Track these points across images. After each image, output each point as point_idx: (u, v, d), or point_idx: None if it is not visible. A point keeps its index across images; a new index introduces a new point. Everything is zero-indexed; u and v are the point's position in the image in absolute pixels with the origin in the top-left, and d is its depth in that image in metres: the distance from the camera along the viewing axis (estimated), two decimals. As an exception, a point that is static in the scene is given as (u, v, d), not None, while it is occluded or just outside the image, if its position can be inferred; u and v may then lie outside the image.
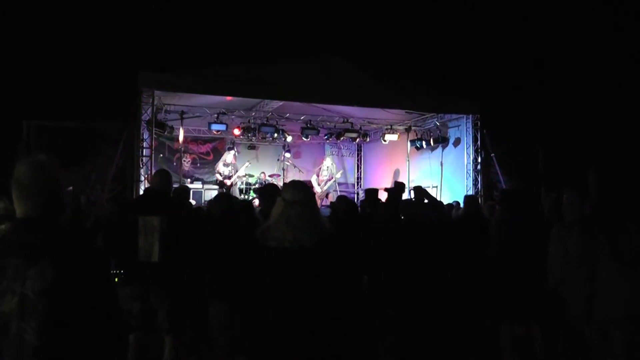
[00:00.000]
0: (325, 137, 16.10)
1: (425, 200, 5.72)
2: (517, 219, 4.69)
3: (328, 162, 16.05)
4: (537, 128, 15.92)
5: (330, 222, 3.04)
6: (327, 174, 15.67)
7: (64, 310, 1.75)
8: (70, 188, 7.92)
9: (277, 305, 2.79)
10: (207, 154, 16.70)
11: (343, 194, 14.54)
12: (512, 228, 4.69)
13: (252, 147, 16.62)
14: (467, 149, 12.77)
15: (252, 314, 3.05)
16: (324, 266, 2.81)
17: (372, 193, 6.61)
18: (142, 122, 11.04)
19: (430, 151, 14.48)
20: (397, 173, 16.07)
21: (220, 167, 14.42)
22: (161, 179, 4.71)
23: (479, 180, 12.44)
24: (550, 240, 3.79)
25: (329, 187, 15.57)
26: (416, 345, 4.95)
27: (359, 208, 6.91)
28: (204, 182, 15.31)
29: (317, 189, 15.18)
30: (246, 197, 14.14)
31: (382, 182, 16.53)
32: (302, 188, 2.97)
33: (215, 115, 13.13)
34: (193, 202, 13.09)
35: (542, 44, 21.00)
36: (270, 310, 2.81)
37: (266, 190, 4.75)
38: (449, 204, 10.26)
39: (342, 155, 18.43)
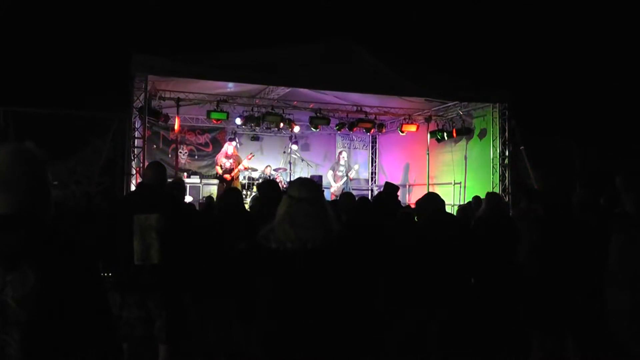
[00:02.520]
0: (336, 127, 16.06)
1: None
2: (551, 220, 4.64)
3: (344, 155, 16.04)
4: (573, 120, 15.78)
5: (338, 222, 3.02)
6: (344, 169, 15.65)
7: (49, 320, 1.71)
8: (56, 183, 7.94)
9: (275, 314, 2.79)
10: (206, 145, 16.69)
11: (355, 191, 14.52)
12: (546, 230, 4.65)
13: (255, 138, 16.61)
14: (493, 141, 12.70)
15: (250, 323, 3.05)
16: (329, 269, 2.81)
17: (391, 188, 6.59)
18: (134, 110, 11.05)
19: (452, 144, 14.40)
20: (415, 168, 16.01)
21: (220, 159, 14.42)
22: (154, 172, 4.69)
23: (507, 176, 12.37)
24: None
25: (344, 184, 15.56)
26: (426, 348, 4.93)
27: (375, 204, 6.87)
28: (202, 176, 15.32)
29: (334, 186, 15.17)
30: (248, 193, 14.14)
31: (398, 178, 16.49)
32: (310, 185, 2.99)
33: (215, 102, 13.12)
34: (190, 198, 13.11)
35: (580, 27, 20.70)
36: (266, 319, 2.81)
37: (263, 187, 4.76)
38: (467, 202, 10.19)
39: (355, 148, 18.40)
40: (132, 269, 4.32)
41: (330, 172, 15.73)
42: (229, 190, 5.86)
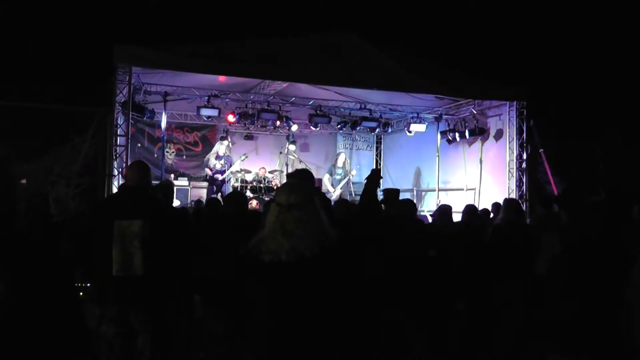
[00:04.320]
0: (338, 126, 16.04)
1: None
2: (575, 229, 4.62)
3: (342, 158, 16.01)
4: (598, 120, 15.71)
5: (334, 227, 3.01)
6: (342, 172, 15.62)
7: (19, 332, 1.69)
8: (24, 181, 7.89)
9: (273, 331, 2.80)
10: (195, 144, 16.68)
11: (357, 196, 14.45)
12: (569, 240, 4.62)
13: (249, 137, 16.59)
14: (510, 143, 12.68)
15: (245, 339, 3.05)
16: (327, 280, 2.82)
17: (392, 193, 6.56)
18: (117, 105, 11.02)
19: (465, 145, 14.39)
20: (424, 172, 16.00)
21: (210, 160, 14.41)
22: (138, 172, 4.66)
23: (524, 181, 12.33)
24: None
25: (342, 188, 15.52)
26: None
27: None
28: (190, 178, 15.30)
29: (331, 191, 15.15)
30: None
31: (405, 182, 16.47)
32: (299, 189, 3.01)
33: (206, 97, 13.11)
34: (177, 202, 13.07)
35: (607, 13, 20.55)
36: (263, 336, 2.83)
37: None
38: (484, 209, 10.17)
39: (358, 149, 18.39)
40: (111, 281, 4.27)
41: (327, 176, 15.71)
42: (234, 194, 5.87)
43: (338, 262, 2.89)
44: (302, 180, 5.03)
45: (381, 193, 6.57)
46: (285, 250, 2.78)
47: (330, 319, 2.80)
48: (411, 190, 16.10)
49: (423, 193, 16.02)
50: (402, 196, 6.81)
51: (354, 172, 16.13)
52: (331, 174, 15.69)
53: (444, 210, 6.70)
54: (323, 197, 5.26)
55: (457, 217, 7.38)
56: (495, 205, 8.93)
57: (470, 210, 7.07)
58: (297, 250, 2.77)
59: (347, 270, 2.94)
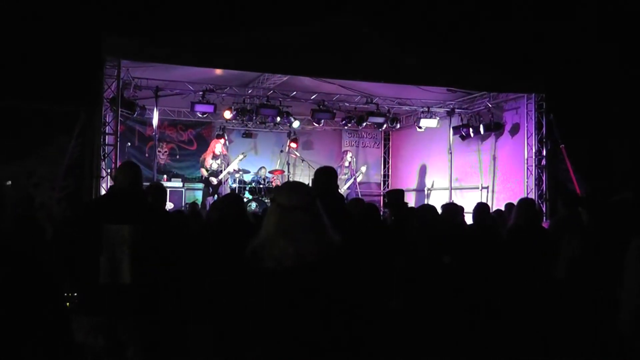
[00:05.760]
0: (343, 122, 16.04)
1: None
2: (597, 230, 4.63)
3: (349, 156, 16.01)
4: (624, 113, 15.61)
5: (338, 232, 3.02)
6: (348, 172, 15.62)
7: (3, 344, 1.71)
8: (9, 183, 7.92)
9: (275, 342, 2.79)
10: (190, 142, 16.71)
11: (364, 197, 14.46)
12: (590, 242, 4.63)
13: (247, 134, 16.61)
14: (528, 138, 12.67)
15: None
16: (330, 287, 2.82)
17: (396, 195, 6.59)
18: (105, 101, 11.04)
19: (479, 141, 14.38)
20: (435, 170, 15.98)
21: (206, 159, 14.41)
22: (128, 174, 4.66)
23: (544, 179, 12.32)
24: (628, 258, 3.72)
25: (349, 189, 15.52)
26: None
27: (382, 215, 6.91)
28: (185, 179, 15.32)
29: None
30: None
31: (415, 181, 16.46)
32: (301, 190, 3.02)
33: (201, 92, 13.12)
34: (170, 205, 13.09)
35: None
36: (266, 349, 2.81)
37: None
38: (497, 210, 10.16)
39: (365, 146, 18.39)
40: (98, 290, 4.28)
41: None
42: (230, 197, 5.87)
43: (342, 268, 2.88)
44: (326, 177, 5.10)
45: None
46: (289, 255, 2.77)
47: (337, 326, 2.79)
48: (422, 190, 16.10)
49: (433, 192, 15.99)
50: (412, 196, 6.82)
51: (363, 169, 16.13)
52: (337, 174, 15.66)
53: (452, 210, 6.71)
54: (339, 197, 5.30)
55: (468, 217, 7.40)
56: (508, 205, 8.92)
57: (481, 208, 7.07)
58: (301, 256, 2.77)
59: (351, 277, 2.94)
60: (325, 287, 2.80)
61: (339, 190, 14.67)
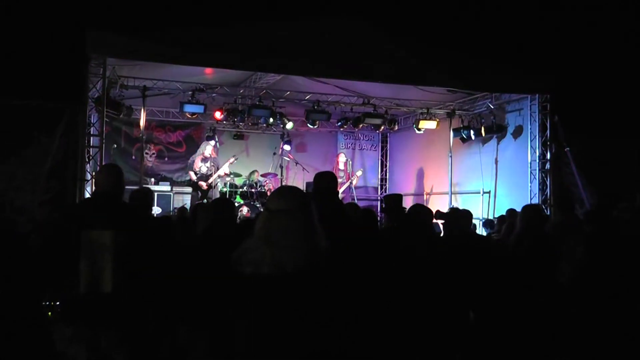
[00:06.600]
0: (339, 123, 16.02)
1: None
2: (601, 235, 4.61)
3: (343, 159, 15.98)
4: (632, 115, 15.60)
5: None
6: (343, 175, 15.60)
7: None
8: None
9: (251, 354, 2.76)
10: (179, 144, 16.69)
11: (361, 202, 14.45)
12: (594, 246, 4.62)
13: (239, 136, 16.60)
14: (531, 141, 12.66)
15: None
16: (313, 299, 2.77)
17: (394, 200, 6.56)
18: (90, 101, 11.00)
19: (480, 144, 14.38)
20: (434, 173, 15.97)
21: (196, 162, 14.38)
22: (108, 177, 4.66)
23: (548, 183, 12.30)
24: None
25: (344, 193, 15.50)
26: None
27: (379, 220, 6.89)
28: (173, 183, 15.29)
29: None
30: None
31: (414, 185, 16.45)
32: (291, 194, 2.98)
33: (190, 92, 13.10)
34: (158, 209, 13.05)
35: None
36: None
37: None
38: (500, 216, 10.14)
39: (362, 149, 18.39)
40: (79, 299, 4.24)
41: None
42: (220, 201, 5.84)
43: (324, 279, 2.84)
44: (323, 182, 5.10)
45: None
46: (267, 261, 2.74)
47: (313, 339, 2.75)
48: (421, 194, 16.09)
49: (432, 197, 15.99)
50: (410, 200, 6.79)
51: (359, 173, 16.09)
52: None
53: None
54: (339, 202, 5.28)
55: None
56: (510, 212, 8.91)
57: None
58: (279, 263, 2.74)
59: (334, 288, 2.89)
60: (302, 299, 2.76)
61: (335, 195, 14.68)
